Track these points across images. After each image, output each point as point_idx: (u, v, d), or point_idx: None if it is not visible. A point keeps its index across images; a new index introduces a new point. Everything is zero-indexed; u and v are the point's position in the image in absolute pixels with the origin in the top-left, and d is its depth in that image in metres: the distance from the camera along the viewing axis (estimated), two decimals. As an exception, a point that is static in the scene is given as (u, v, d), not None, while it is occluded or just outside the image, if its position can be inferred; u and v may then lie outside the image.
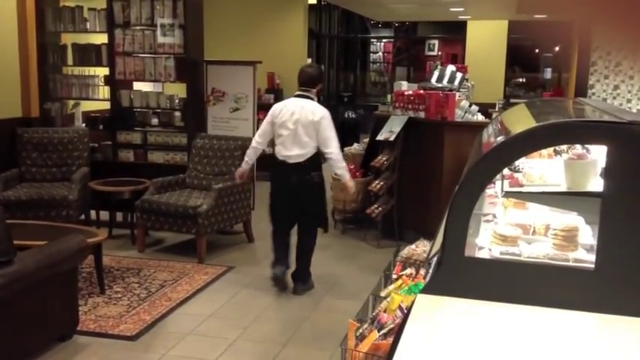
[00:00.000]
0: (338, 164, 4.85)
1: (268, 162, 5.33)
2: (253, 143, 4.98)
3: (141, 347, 3.96)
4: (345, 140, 8.08)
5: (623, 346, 1.78)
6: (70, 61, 6.77)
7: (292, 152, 4.73)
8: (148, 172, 6.35)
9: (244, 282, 5.17)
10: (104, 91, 6.69)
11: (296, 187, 4.76)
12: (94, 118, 6.90)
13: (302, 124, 4.70)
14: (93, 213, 6.24)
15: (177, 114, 6.76)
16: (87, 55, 6.69)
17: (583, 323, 1.90)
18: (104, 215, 6.28)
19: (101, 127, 6.83)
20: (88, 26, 6.63)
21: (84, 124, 6.90)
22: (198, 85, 6.76)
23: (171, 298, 4.74)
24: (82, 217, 6.06)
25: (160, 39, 6.39)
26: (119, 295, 4.74)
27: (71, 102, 6.96)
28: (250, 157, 5.04)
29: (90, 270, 4.95)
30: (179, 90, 6.73)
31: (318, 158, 4.83)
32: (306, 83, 4.86)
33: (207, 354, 3.87)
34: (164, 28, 6.36)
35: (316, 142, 4.72)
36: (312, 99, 4.83)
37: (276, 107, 4.87)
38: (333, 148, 4.74)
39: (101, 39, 6.61)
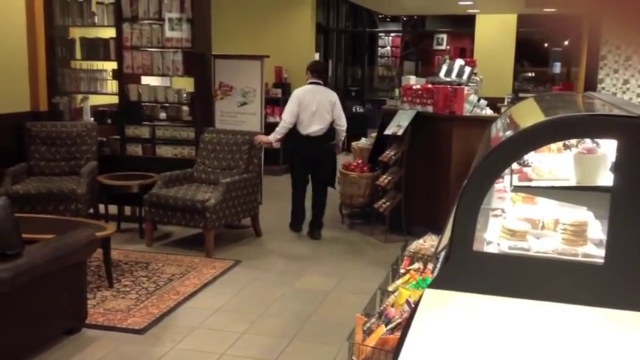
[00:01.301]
0: (343, 133, 6.35)
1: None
2: (285, 124, 6.06)
3: (149, 341, 3.97)
4: (353, 135, 8.21)
5: (633, 342, 1.77)
6: (78, 55, 6.77)
7: (316, 127, 6.04)
8: (156, 166, 6.36)
9: (252, 276, 5.18)
10: (112, 86, 6.69)
11: (317, 154, 6.10)
12: (103, 112, 6.91)
13: (322, 105, 6.05)
14: (101, 207, 6.26)
15: (185, 108, 6.76)
16: (95, 49, 6.70)
17: (592, 318, 1.89)
18: (112, 209, 6.31)
19: (109, 121, 6.84)
20: (96, 20, 6.63)
21: (92, 119, 6.91)
22: (205, 79, 6.76)
23: (180, 291, 4.75)
24: (91, 210, 6.08)
25: (168, 33, 6.38)
26: (127, 289, 4.76)
27: (79, 96, 6.97)
28: (281, 133, 6.13)
29: (98, 264, 4.97)
30: (187, 84, 6.73)
31: (332, 132, 6.16)
32: (320, 73, 6.25)
33: (214, 347, 3.88)
34: (172, 22, 6.36)
35: (332, 117, 6.10)
36: (323, 85, 6.20)
37: (299, 92, 6.12)
38: (344, 121, 6.22)
39: (109, 33, 6.62)
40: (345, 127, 6.23)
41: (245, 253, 5.79)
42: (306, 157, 6.11)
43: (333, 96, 6.12)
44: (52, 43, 6.65)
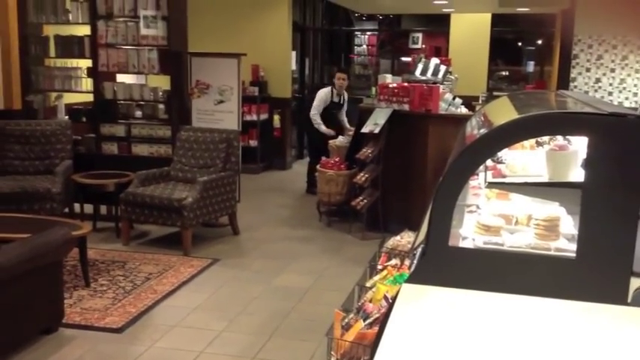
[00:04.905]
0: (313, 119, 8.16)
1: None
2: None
3: (126, 340, 3.96)
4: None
5: (604, 333, 1.82)
6: (52, 52, 6.70)
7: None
8: (132, 164, 6.32)
9: (230, 274, 5.19)
10: (87, 83, 6.63)
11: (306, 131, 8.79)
12: (77, 111, 6.85)
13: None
14: (77, 206, 6.21)
15: (161, 106, 6.72)
16: (69, 46, 6.63)
17: (564, 311, 1.93)
18: (88, 208, 6.25)
19: (84, 119, 6.78)
20: (71, 17, 6.57)
21: (67, 117, 6.84)
22: (182, 77, 6.73)
23: (157, 290, 4.74)
24: (66, 210, 6.02)
25: (144, 30, 6.34)
26: (104, 288, 4.73)
27: (54, 94, 6.89)
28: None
29: (74, 263, 4.93)
30: (163, 82, 6.69)
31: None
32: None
33: (193, 346, 3.88)
34: (147, 20, 6.32)
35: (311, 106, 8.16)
36: (329, 86, 8.26)
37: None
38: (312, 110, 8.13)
39: (84, 30, 6.55)
40: (311, 114, 8.04)
41: (223, 251, 5.79)
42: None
43: (319, 92, 8.18)
44: (26, 40, 6.57)
